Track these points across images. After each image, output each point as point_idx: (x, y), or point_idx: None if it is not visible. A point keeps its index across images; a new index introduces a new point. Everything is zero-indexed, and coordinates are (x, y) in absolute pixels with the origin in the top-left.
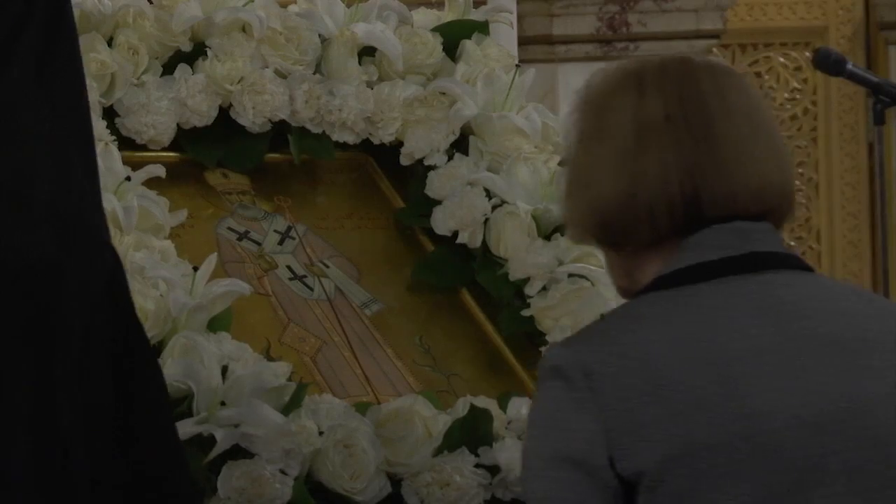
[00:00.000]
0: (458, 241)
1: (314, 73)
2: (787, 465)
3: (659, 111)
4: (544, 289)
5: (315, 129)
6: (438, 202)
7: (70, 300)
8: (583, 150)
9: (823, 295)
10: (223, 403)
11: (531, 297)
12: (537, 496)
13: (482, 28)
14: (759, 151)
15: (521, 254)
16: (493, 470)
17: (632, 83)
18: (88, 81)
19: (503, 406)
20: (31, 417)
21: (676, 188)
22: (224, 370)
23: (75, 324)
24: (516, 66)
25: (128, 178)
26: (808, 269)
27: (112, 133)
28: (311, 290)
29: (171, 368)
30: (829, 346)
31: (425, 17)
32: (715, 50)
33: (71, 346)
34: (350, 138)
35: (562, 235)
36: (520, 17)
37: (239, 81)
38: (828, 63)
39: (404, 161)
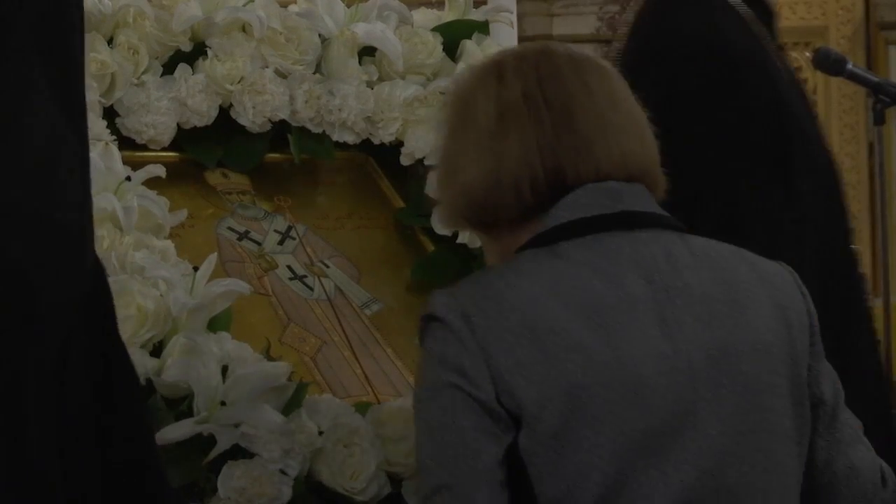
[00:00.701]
0: (458, 241)
1: (314, 73)
2: (657, 409)
3: (517, 93)
4: None
5: (315, 129)
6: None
7: (41, 310)
8: (451, 141)
9: (697, 253)
10: (223, 403)
11: None
12: (433, 423)
13: (482, 28)
14: (619, 123)
15: None
16: None
17: (492, 72)
18: (88, 81)
19: None
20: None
21: (538, 163)
22: (224, 370)
23: (47, 337)
24: None
25: (128, 178)
26: (683, 229)
27: (112, 133)
28: (312, 289)
29: (171, 368)
30: (701, 300)
31: (425, 17)
32: None
33: (44, 361)
34: (350, 138)
35: None
36: (520, 17)
37: (239, 81)
38: (828, 63)
39: (404, 161)
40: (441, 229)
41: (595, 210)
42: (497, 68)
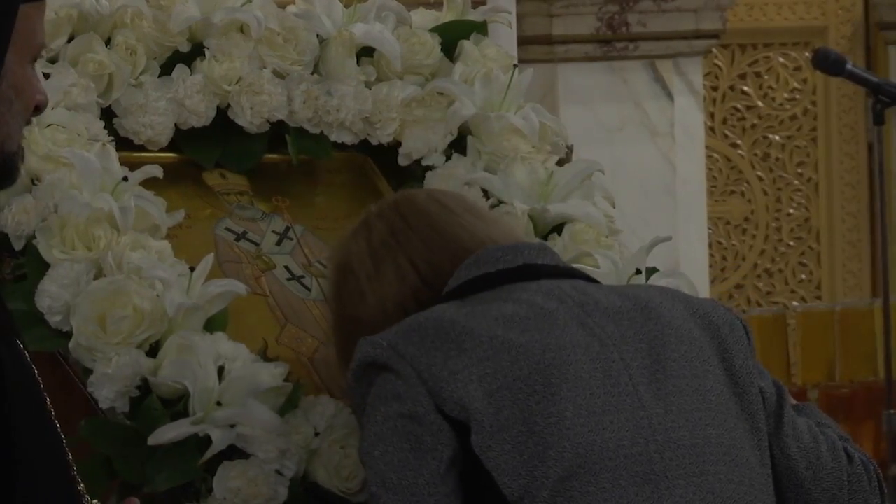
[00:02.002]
0: None
1: (312, 74)
2: (598, 390)
3: (384, 232)
4: None
5: (313, 130)
6: None
7: None
8: (340, 306)
9: (604, 287)
10: (219, 404)
11: None
12: (375, 456)
13: (481, 28)
14: (485, 223)
15: None
16: None
17: (359, 230)
18: (86, 82)
19: None
20: None
21: (415, 277)
22: (220, 370)
23: None
24: (514, 66)
25: (125, 179)
26: (593, 280)
27: (110, 133)
28: (309, 290)
29: (167, 369)
30: (616, 312)
31: (424, 18)
32: (715, 50)
33: None
34: (348, 138)
35: (559, 235)
36: (519, 17)
37: (237, 82)
38: (827, 63)
39: (402, 161)
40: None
41: (498, 265)
42: (363, 224)
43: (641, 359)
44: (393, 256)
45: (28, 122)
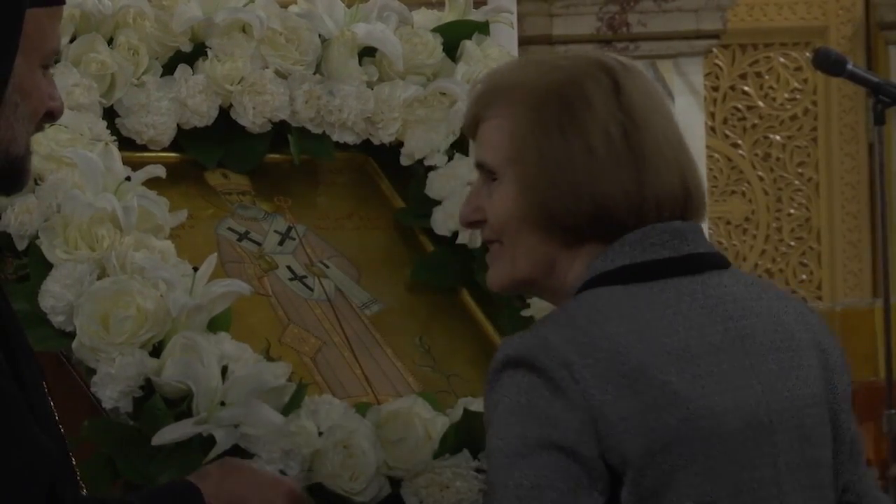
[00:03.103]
0: (458, 241)
1: (314, 74)
2: (747, 463)
3: (633, 114)
4: None
5: (315, 130)
6: (438, 202)
7: None
8: (564, 142)
9: (751, 294)
10: (223, 404)
11: (530, 297)
12: (524, 484)
13: (482, 28)
14: (687, 157)
15: None
16: None
17: (606, 83)
18: (89, 81)
19: None
20: None
21: (636, 191)
22: (224, 370)
23: None
24: None
25: (128, 179)
26: (728, 265)
27: (112, 133)
28: (311, 290)
29: (171, 369)
30: (769, 348)
31: (425, 18)
32: (715, 50)
33: None
34: (350, 139)
35: None
36: (520, 17)
37: (239, 82)
38: (828, 63)
39: (404, 161)
40: (442, 230)
41: (665, 252)
42: (610, 78)
43: (783, 422)
44: (633, 150)
45: (40, 129)
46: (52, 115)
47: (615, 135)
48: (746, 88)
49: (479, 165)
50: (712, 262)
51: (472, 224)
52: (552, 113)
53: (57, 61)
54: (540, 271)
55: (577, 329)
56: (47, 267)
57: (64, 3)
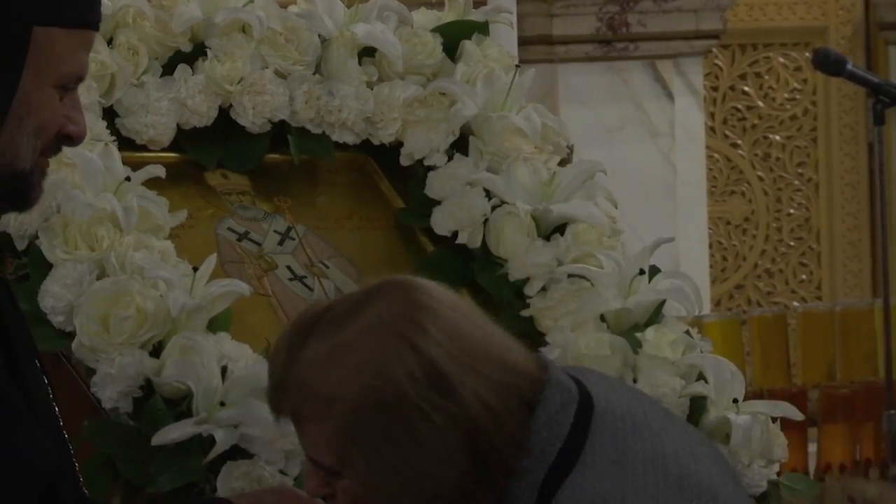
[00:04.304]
0: (458, 241)
1: (314, 74)
2: None
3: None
4: (544, 289)
5: (315, 130)
6: (438, 202)
7: None
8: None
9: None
10: (222, 404)
11: (531, 297)
12: None
13: (482, 28)
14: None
15: (521, 254)
16: None
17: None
18: (88, 81)
19: None
20: None
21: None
22: (223, 370)
23: None
24: (516, 66)
25: (127, 179)
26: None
27: (112, 133)
28: (311, 290)
29: (171, 369)
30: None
31: (425, 18)
32: (715, 50)
33: None
34: (350, 139)
35: (561, 235)
36: (520, 17)
37: (239, 82)
38: (828, 63)
39: (404, 161)
40: (442, 230)
41: (569, 411)
42: (408, 344)
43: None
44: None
45: (56, 150)
46: (69, 139)
47: (436, 419)
48: (746, 88)
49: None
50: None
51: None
52: (372, 427)
53: None
54: None
55: None
56: (47, 267)
57: (88, 28)
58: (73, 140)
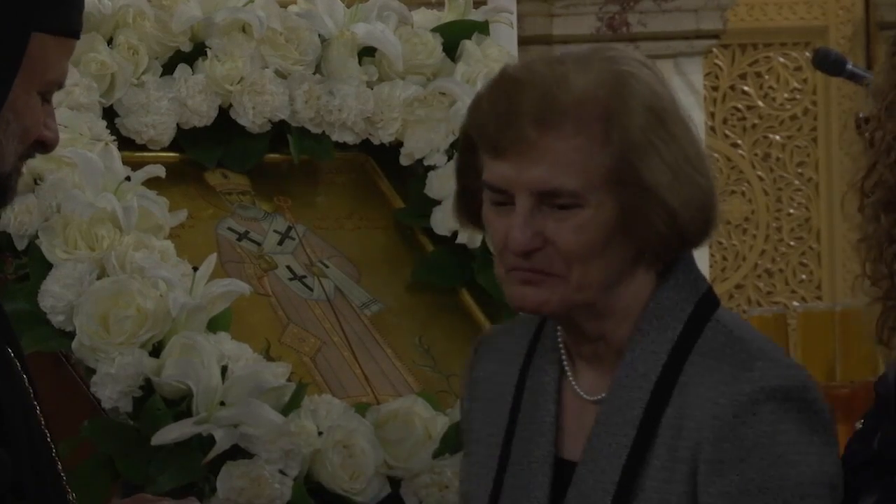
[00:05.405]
0: (458, 241)
1: (314, 74)
2: None
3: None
4: None
5: (315, 130)
6: (438, 202)
7: None
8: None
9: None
10: (222, 403)
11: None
12: None
13: (482, 28)
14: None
15: None
16: None
17: None
18: (89, 81)
19: None
20: None
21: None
22: (223, 370)
23: None
24: None
25: (127, 178)
26: None
27: (112, 133)
28: (311, 290)
29: (171, 368)
30: None
31: (425, 18)
32: (715, 50)
33: None
34: (350, 138)
35: None
36: (519, 17)
37: (239, 82)
38: (828, 63)
39: (404, 161)
40: (442, 230)
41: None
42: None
43: None
44: None
45: (30, 155)
46: (44, 145)
47: (696, 138)
48: (746, 88)
49: (546, 192)
50: None
51: (527, 253)
52: (645, 125)
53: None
54: (601, 295)
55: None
56: (47, 267)
57: (75, 37)
58: (48, 147)
